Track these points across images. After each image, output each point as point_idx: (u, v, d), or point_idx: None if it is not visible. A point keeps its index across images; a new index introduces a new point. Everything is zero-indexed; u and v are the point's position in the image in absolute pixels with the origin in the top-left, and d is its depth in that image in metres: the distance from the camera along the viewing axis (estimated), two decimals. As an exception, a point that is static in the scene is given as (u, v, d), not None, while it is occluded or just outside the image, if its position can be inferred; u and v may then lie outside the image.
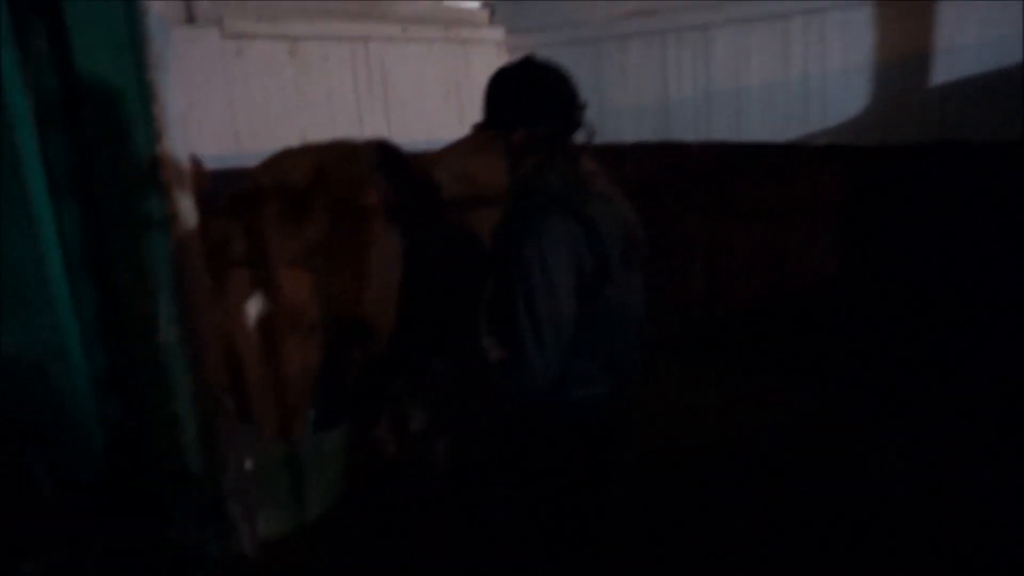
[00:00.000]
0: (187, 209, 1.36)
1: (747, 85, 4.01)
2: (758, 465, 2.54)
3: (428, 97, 4.65)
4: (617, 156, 3.98)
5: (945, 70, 3.38)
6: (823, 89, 3.73)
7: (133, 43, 1.26)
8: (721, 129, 4.19)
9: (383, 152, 2.08)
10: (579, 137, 1.83)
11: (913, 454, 2.55)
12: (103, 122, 1.27)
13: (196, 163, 1.71)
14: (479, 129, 1.88)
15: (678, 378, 3.29)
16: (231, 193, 1.79)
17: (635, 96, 4.62)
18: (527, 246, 1.66)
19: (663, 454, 2.53)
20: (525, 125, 1.78)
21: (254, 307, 1.67)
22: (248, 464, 1.70)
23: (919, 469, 2.46)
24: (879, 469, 2.50)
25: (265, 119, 3.95)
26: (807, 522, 2.18)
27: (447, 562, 1.90)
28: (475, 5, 4.85)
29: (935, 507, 2.21)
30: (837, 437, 2.75)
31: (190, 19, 3.81)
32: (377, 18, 4.53)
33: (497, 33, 4.84)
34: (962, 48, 3.31)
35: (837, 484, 2.37)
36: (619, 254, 1.77)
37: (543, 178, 1.76)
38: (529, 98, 1.78)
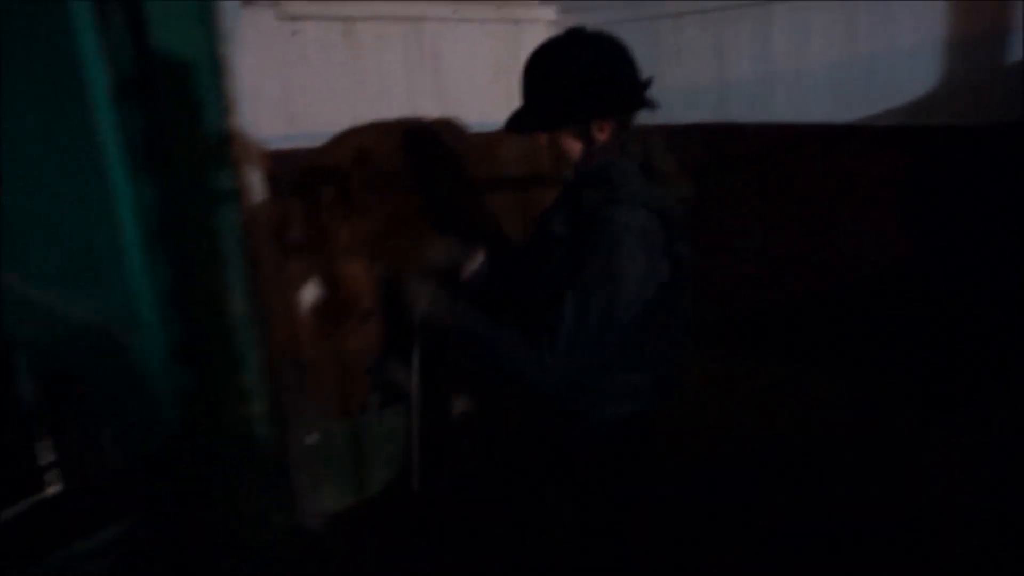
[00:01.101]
0: (255, 183, 1.37)
1: (808, 64, 3.89)
2: (800, 466, 2.46)
3: (479, 77, 4.64)
4: (670, 139, 3.90)
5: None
6: (890, 68, 3.59)
7: (205, 17, 1.27)
8: (780, 110, 4.08)
9: (447, 131, 2.07)
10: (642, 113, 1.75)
11: (971, 458, 2.45)
12: (176, 96, 1.28)
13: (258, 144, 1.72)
14: (519, 130, 1.73)
15: (721, 371, 3.22)
16: (291, 175, 1.81)
17: (691, 77, 4.52)
18: (602, 245, 1.56)
19: (698, 454, 2.45)
20: (590, 119, 1.67)
21: (310, 293, 1.68)
22: (311, 438, 1.72)
23: (975, 474, 2.36)
24: (934, 474, 2.40)
25: (319, 100, 3.98)
26: (848, 529, 2.10)
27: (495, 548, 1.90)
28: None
29: (993, 518, 2.11)
30: (886, 437, 2.66)
31: (246, 1, 3.85)
32: (429, -1, 4.52)
33: (549, 12, 4.79)
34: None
35: (884, 489, 2.27)
36: (681, 241, 1.69)
37: (618, 168, 1.66)
38: (594, 89, 1.64)
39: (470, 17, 4.57)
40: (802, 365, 3.37)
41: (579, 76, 1.60)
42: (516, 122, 1.70)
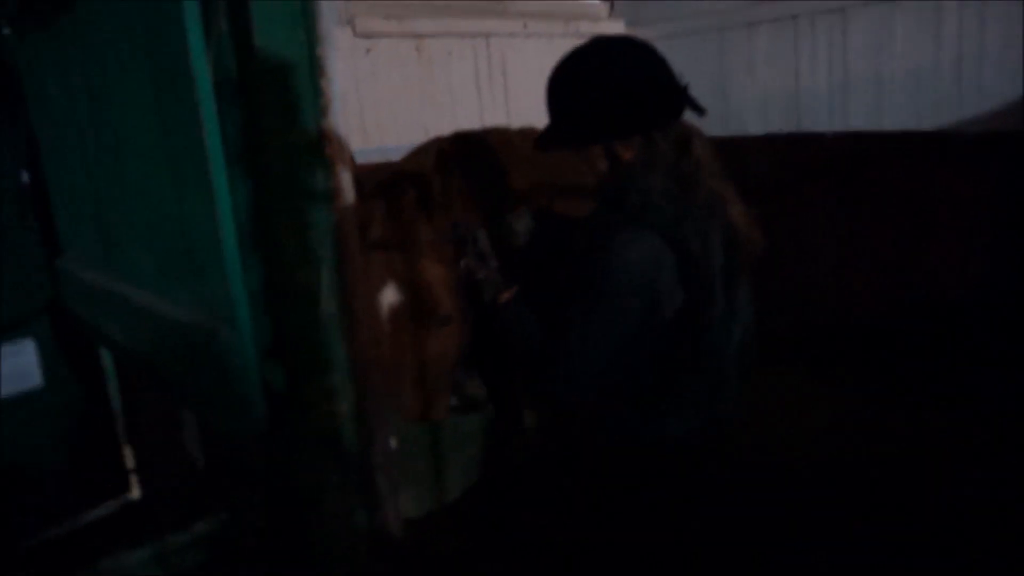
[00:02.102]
0: (347, 184, 1.38)
1: (889, 71, 3.76)
2: (868, 499, 2.29)
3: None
4: (741, 151, 3.81)
5: None
6: (979, 72, 3.44)
7: (306, 20, 1.30)
8: (858, 120, 3.95)
9: (528, 139, 2.06)
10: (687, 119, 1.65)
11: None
12: (275, 96, 1.31)
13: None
14: (544, 148, 1.67)
15: (789, 393, 3.07)
16: (376, 180, 1.82)
17: (763, 87, 4.43)
18: (595, 266, 1.49)
19: (760, 480, 2.28)
20: (611, 138, 1.59)
21: (389, 296, 1.68)
22: (392, 442, 1.72)
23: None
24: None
25: (391, 115, 4.05)
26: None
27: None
28: (594, 0, 4.81)
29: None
30: (966, 470, 2.46)
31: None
32: (498, 14, 4.57)
33: (617, 26, 4.78)
34: None
35: (960, 530, 2.09)
36: (723, 273, 1.58)
37: (636, 189, 1.56)
38: (611, 110, 1.55)
39: (538, 32, 4.60)
40: (877, 392, 3.20)
41: (596, 97, 1.52)
42: (542, 140, 1.67)
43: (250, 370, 1.36)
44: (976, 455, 2.57)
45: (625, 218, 1.53)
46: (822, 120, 4.08)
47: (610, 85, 1.56)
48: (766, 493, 1.97)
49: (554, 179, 2.07)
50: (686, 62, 4.48)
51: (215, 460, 1.81)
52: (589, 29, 4.73)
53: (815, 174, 3.86)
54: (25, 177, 2.53)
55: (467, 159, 1.90)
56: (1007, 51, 3.23)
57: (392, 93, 4.15)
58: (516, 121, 4.59)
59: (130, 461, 2.49)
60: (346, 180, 1.38)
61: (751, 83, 4.27)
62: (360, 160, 2.92)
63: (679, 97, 1.58)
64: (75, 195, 2.10)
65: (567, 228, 1.78)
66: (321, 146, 1.33)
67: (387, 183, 1.78)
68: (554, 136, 1.65)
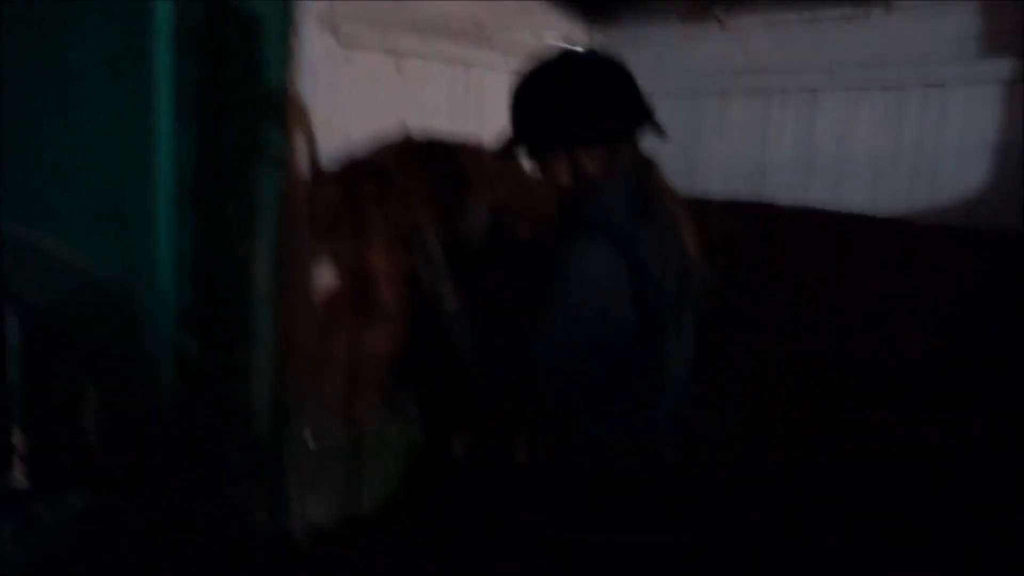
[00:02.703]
0: (302, 154, 1.31)
1: (852, 153, 3.88)
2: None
3: (521, 128, 4.66)
4: (705, 210, 3.86)
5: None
6: (936, 165, 3.58)
7: (282, -26, 1.24)
8: (819, 196, 4.05)
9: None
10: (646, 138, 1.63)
11: None
12: (241, 49, 1.24)
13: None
14: (502, 156, 1.66)
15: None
16: (337, 167, 1.74)
17: (730, 154, 4.53)
18: (552, 275, 1.46)
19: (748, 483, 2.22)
20: (575, 147, 1.57)
21: (330, 282, 1.59)
22: (309, 441, 1.61)
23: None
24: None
25: (363, 125, 4.00)
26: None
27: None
28: (580, 47, 4.88)
29: None
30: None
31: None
32: (482, 44, 4.59)
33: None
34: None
35: None
36: (673, 303, 1.56)
37: (597, 201, 1.54)
38: (584, 112, 1.55)
39: (519, 70, 4.61)
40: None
41: (560, 102, 1.49)
42: (504, 148, 1.64)
43: (165, 335, 1.25)
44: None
45: (585, 232, 1.48)
46: (784, 192, 4.17)
47: (577, 92, 1.52)
48: (752, 497, 1.92)
49: (517, 201, 2.02)
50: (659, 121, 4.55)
51: (113, 444, 1.66)
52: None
53: (772, 243, 3.92)
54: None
55: (433, 161, 1.84)
56: (967, 148, 3.37)
57: (367, 104, 4.10)
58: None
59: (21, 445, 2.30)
60: (302, 150, 1.31)
61: (719, 149, 4.37)
62: (329, 166, 2.85)
63: (645, 111, 1.55)
64: (15, 149, 1.97)
65: (525, 241, 1.73)
66: (281, 108, 1.26)
67: (346, 170, 1.71)
68: (515, 144, 1.61)
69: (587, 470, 1.54)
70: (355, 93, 4.01)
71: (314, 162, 1.49)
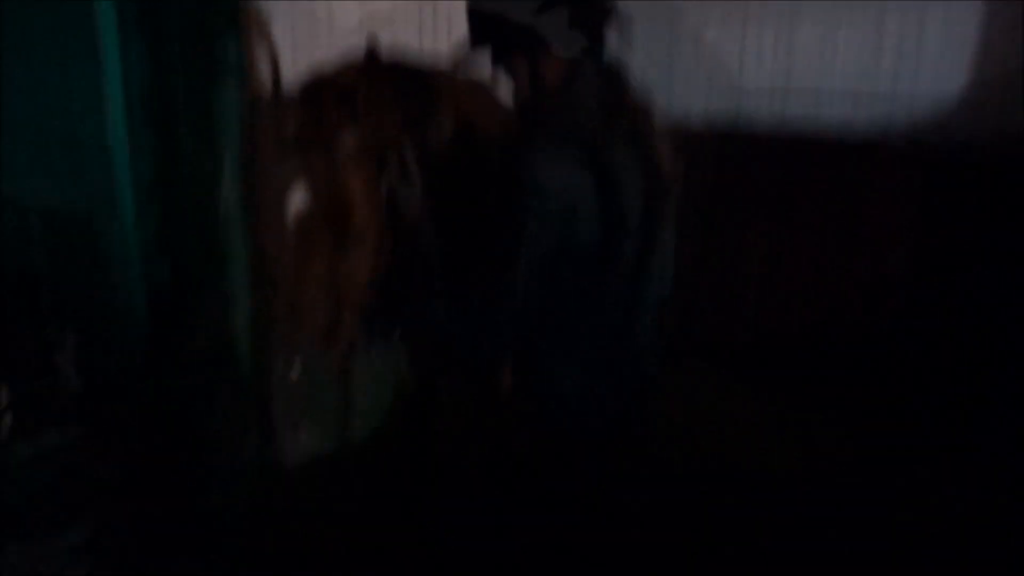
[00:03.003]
0: (263, 64, 1.23)
1: (831, 70, 3.82)
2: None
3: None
4: (682, 138, 3.79)
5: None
6: (915, 79, 3.53)
7: None
8: (798, 117, 4.00)
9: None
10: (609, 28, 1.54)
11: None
12: (185, -50, 1.15)
13: None
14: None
15: (708, 390, 3.03)
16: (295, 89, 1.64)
17: (707, 73, 4.45)
18: (515, 190, 1.40)
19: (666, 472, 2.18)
20: (538, 48, 1.48)
21: (299, 203, 1.50)
22: (295, 370, 1.57)
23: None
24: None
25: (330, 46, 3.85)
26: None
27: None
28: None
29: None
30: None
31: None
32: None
33: None
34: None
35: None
36: (643, 213, 1.50)
37: (559, 109, 1.46)
38: (543, 10, 1.46)
39: None
40: (798, 399, 3.20)
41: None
42: (463, 56, 1.56)
43: (131, 266, 1.19)
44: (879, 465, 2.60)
45: (546, 142, 1.40)
46: (764, 113, 4.11)
47: None
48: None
49: (485, 118, 1.93)
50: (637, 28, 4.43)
51: (92, 385, 1.60)
52: None
53: (749, 169, 3.87)
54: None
55: (399, 78, 1.74)
56: (944, 57, 3.31)
57: (331, 23, 3.93)
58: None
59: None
60: (263, 59, 1.23)
61: (697, 70, 4.27)
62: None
63: (608, 11, 1.46)
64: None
65: (490, 155, 1.66)
66: (236, 13, 1.17)
67: (309, 85, 1.62)
68: (476, 45, 1.51)
69: (566, 406, 1.49)
70: (318, 10, 3.84)
71: (276, 77, 1.40)
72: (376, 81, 1.62)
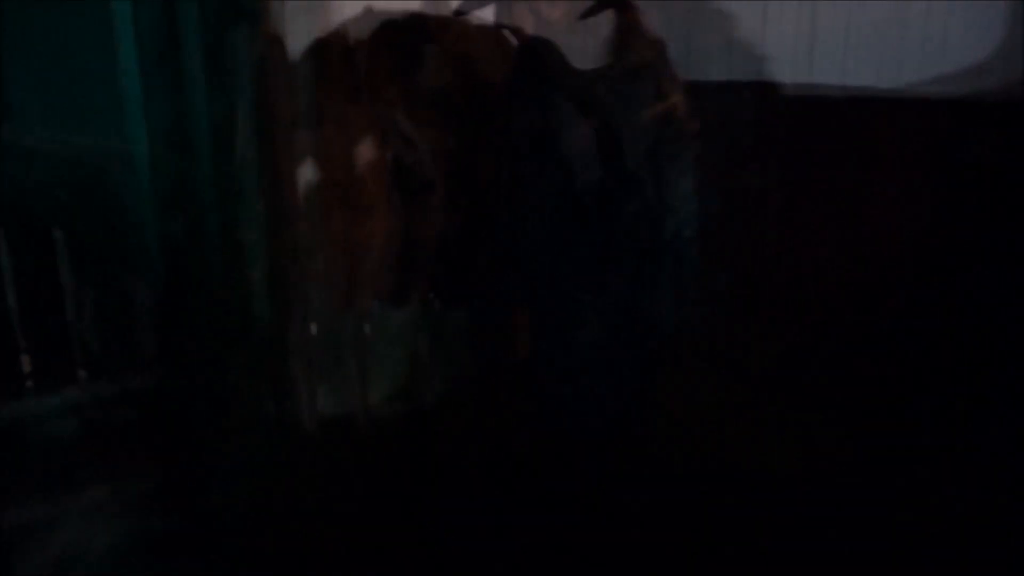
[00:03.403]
0: (277, 7, 1.19)
1: (857, 23, 3.70)
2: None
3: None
4: (701, 96, 3.70)
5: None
6: (945, 31, 3.40)
7: None
8: (823, 74, 3.89)
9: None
10: None
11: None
12: None
13: None
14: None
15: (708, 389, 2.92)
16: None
17: (728, 33, 4.32)
18: (515, 136, 1.34)
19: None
20: None
21: (309, 173, 1.47)
22: (313, 328, 1.55)
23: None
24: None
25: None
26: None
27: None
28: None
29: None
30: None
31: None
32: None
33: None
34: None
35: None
36: (655, 158, 1.42)
37: (549, 57, 1.39)
38: None
39: None
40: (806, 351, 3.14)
41: None
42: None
43: (146, 216, 1.17)
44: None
45: (538, 88, 1.34)
46: (786, 70, 4.00)
47: None
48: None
49: (486, 61, 1.86)
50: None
51: (108, 338, 1.59)
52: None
53: (772, 125, 3.78)
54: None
55: (398, 36, 1.67)
56: (981, 9, 3.19)
57: None
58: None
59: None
60: (276, 2, 1.18)
61: (718, 28, 4.16)
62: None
63: None
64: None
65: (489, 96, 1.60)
66: (246, -48, 1.13)
67: (315, 54, 1.56)
68: None
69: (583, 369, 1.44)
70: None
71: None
72: (374, 47, 1.58)
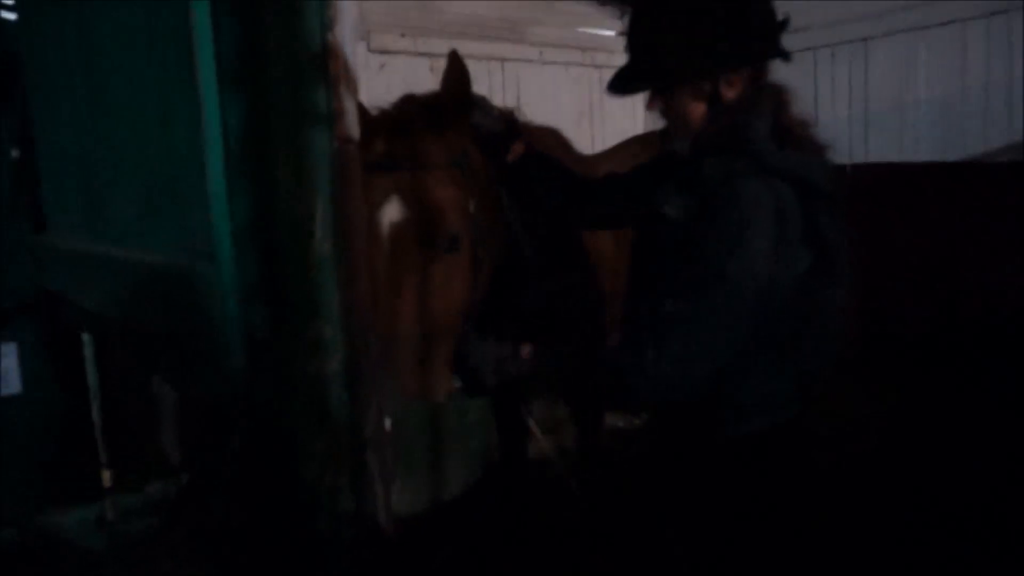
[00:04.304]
0: (351, 109, 1.25)
1: (914, 100, 3.68)
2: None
3: (562, 120, 4.58)
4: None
5: None
6: (1008, 99, 3.35)
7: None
8: (880, 150, 3.86)
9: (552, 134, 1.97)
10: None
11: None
12: (276, 4, 1.19)
13: None
14: (623, 90, 1.50)
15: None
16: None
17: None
18: (728, 229, 1.28)
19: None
20: (719, 72, 1.39)
21: (391, 215, 1.48)
22: (387, 421, 1.53)
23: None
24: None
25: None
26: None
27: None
28: (611, 32, 4.80)
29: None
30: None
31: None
32: (515, 41, 4.55)
33: (633, 59, 4.74)
34: None
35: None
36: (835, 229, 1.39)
37: (750, 131, 1.36)
38: (724, 31, 1.38)
39: (555, 60, 4.57)
40: (928, 409, 3.00)
41: (705, 15, 1.35)
42: (621, 82, 1.47)
43: (229, 311, 1.20)
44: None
45: (741, 165, 1.30)
46: (844, 150, 3.98)
47: (716, 3, 1.35)
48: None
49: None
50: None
51: (193, 461, 1.61)
52: (606, 60, 4.72)
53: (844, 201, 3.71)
54: (15, 153, 2.43)
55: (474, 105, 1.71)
56: (1035, 78, 3.15)
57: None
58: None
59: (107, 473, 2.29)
60: (350, 105, 1.25)
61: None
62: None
63: (781, 28, 1.38)
64: (64, 163, 1.97)
65: (617, 175, 1.60)
66: (325, 62, 1.20)
67: (396, 104, 1.63)
68: (641, 75, 1.43)
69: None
70: (392, 99, 3.96)
71: (361, 111, 1.42)
72: (460, 103, 1.62)
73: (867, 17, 3.88)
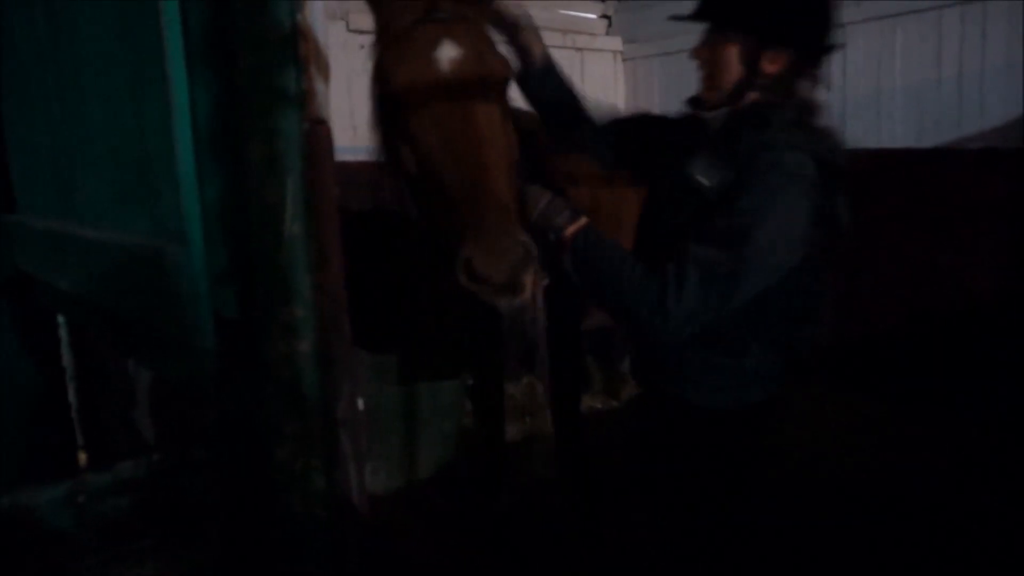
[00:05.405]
0: (321, 91, 1.25)
1: (889, 87, 3.71)
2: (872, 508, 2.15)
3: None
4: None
5: None
6: (980, 88, 3.39)
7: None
8: (857, 135, 3.89)
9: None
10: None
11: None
12: (245, -17, 1.19)
13: None
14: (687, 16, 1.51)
15: (810, 405, 2.96)
16: None
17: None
18: (763, 190, 1.30)
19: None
20: (767, 41, 1.45)
21: (447, 52, 1.48)
22: (360, 403, 1.54)
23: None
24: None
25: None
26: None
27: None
28: (592, 14, 4.79)
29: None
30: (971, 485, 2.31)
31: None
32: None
33: (614, 42, 4.75)
34: None
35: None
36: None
37: (780, 114, 1.42)
38: (806, 8, 1.39)
39: (534, 43, 4.55)
40: (897, 402, 3.07)
41: None
42: (691, 15, 1.49)
43: (199, 294, 1.20)
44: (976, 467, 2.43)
45: (776, 140, 1.36)
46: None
47: None
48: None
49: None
50: (682, 79, 4.44)
51: (166, 441, 1.62)
52: (587, 43, 4.71)
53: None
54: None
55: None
56: (1012, 66, 3.19)
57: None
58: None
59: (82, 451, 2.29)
60: (320, 87, 1.24)
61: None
62: (351, 158, 2.80)
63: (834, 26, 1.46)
64: (34, 143, 1.95)
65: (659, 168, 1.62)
66: (294, 43, 1.20)
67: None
68: (712, 8, 1.45)
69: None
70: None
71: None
72: None
73: (845, 3, 3.90)
